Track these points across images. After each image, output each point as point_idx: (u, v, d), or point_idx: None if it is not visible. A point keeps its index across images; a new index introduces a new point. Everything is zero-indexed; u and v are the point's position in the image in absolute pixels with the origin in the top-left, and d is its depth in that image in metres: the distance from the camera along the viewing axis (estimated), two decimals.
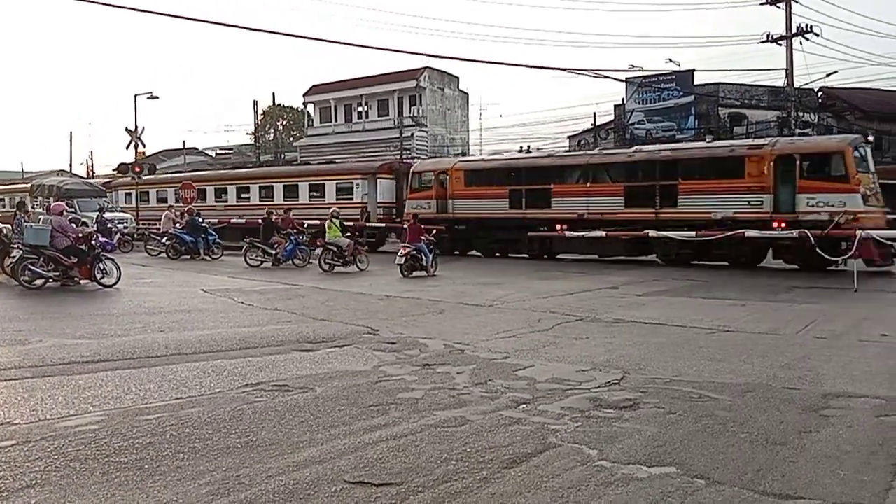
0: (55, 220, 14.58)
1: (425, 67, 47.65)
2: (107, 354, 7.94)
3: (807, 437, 5.23)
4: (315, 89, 53.66)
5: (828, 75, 32.25)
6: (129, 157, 35.61)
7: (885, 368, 7.52)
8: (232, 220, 30.93)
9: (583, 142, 42.29)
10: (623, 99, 40.51)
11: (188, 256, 23.37)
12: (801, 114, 32.12)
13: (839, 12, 46.42)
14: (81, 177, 55.08)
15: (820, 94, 37.29)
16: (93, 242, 14.88)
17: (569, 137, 45.59)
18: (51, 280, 14.30)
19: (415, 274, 17.95)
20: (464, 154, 43.77)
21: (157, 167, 44.00)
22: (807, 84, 32.94)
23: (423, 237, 18.52)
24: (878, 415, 5.79)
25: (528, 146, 31.79)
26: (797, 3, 28.71)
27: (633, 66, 38.48)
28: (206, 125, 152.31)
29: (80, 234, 14.70)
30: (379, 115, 50.61)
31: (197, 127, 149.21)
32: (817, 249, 17.24)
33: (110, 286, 14.45)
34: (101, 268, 14.68)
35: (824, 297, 13.76)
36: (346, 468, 4.51)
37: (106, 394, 6.28)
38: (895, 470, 4.54)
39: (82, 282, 14.69)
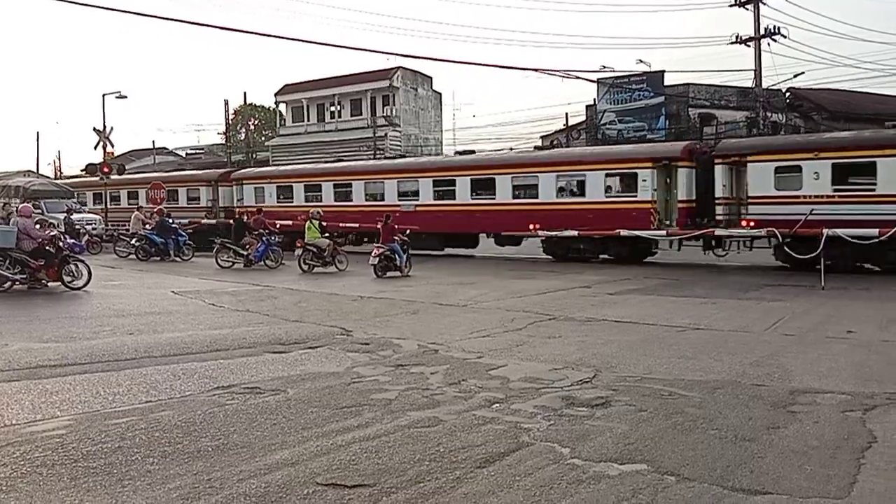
0: (21, 221, 14.33)
1: (398, 67, 47.55)
2: (75, 358, 7.82)
3: (775, 432, 5.31)
4: (287, 89, 53.28)
5: (795, 76, 32.78)
6: (97, 157, 35.07)
7: (850, 365, 7.67)
8: (202, 221, 30.62)
9: (555, 142, 42.51)
10: (595, 99, 40.78)
11: (158, 258, 23.07)
12: (769, 114, 32.61)
13: (806, 14, 47.25)
14: (48, 177, 54.11)
15: (788, 94, 37.88)
16: (60, 244, 14.64)
17: (541, 137, 45.83)
18: (17, 283, 14.05)
19: (388, 274, 17.92)
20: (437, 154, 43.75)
21: (127, 167, 43.48)
22: (775, 85, 33.44)
23: (396, 237, 18.50)
24: (844, 410, 5.90)
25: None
26: (765, 5, 29.19)
27: (605, 67, 38.88)
28: (176, 125, 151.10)
29: (45, 237, 14.44)
30: (352, 115, 50.40)
31: (167, 126, 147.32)
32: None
33: (79, 288, 14.22)
34: (70, 270, 14.46)
35: (792, 295, 13.99)
36: (319, 470, 4.49)
37: (74, 398, 6.18)
38: (859, 465, 4.63)
39: (50, 284, 14.45)
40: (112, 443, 4.96)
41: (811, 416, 5.73)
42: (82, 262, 14.85)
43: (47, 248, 14.35)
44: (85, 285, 14.36)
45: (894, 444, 5.05)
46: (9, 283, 13.94)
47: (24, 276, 14.14)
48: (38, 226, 14.86)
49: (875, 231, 17.01)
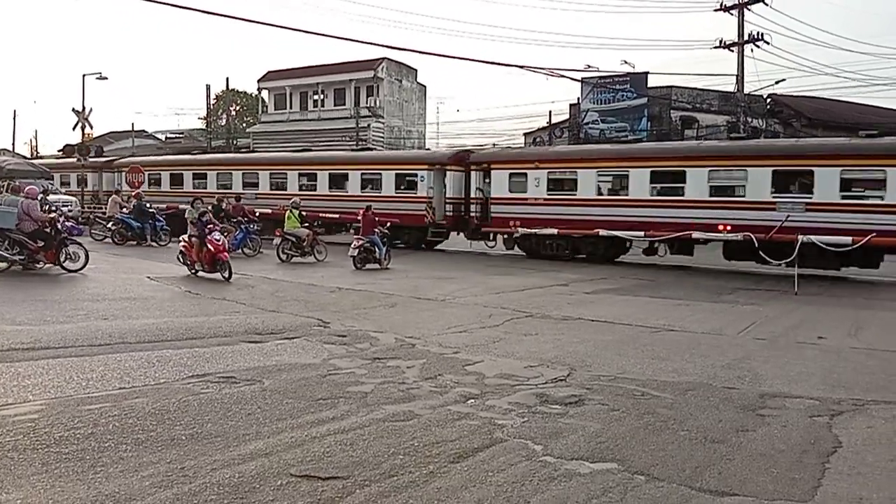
0: (25, 203, 14.13)
1: (383, 58, 47.32)
2: (48, 342, 7.75)
3: (743, 435, 5.41)
4: (270, 75, 52.84)
5: (776, 83, 33.06)
6: (75, 138, 34.59)
7: (819, 370, 7.81)
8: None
9: (538, 139, 42.64)
10: (578, 98, 40.94)
11: (134, 242, 22.84)
12: (749, 119, 32.96)
13: (790, 22, 47.79)
14: (25, 157, 53.27)
15: (768, 100, 38.30)
16: (58, 226, 14.49)
17: (525, 134, 45.95)
18: (15, 263, 13.93)
19: (368, 266, 17.89)
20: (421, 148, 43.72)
21: (105, 149, 42.92)
22: (756, 90, 33.77)
23: (376, 229, 18.47)
24: (812, 415, 6.02)
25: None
26: (750, 10, 29.41)
27: (589, 67, 38.83)
28: (157, 108, 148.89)
29: (46, 219, 14.28)
30: (335, 105, 50.10)
31: (146, 109, 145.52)
32: None
33: (76, 271, 14.15)
34: (68, 252, 14.36)
35: (766, 299, 14.19)
36: (293, 461, 4.51)
37: (46, 382, 6.14)
38: (824, 469, 4.74)
39: (46, 266, 14.31)
40: (85, 429, 4.94)
41: (779, 420, 5.84)
42: (79, 244, 14.73)
43: (46, 230, 14.21)
44: (82, 268, 14.26)
45: (858, 449, 5.17)
46: (5, 265, 13.84)
47: (23, 257, 14.04)
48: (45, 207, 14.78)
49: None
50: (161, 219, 23.98)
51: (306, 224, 20.03)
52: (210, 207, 22.04)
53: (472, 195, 24.76)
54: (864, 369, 7.96)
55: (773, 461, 4.86)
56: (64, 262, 14.25)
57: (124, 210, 23.74)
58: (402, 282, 15.35)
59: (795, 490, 4.38)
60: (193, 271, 14.98)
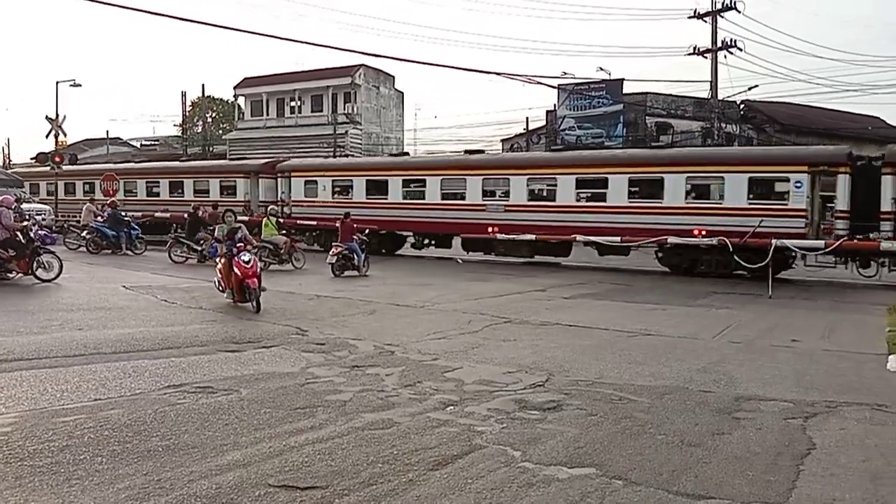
0: None
1: (361, 65, 47.32)
2: (22, 353, 7.64)
3: (719, 438, 5.48)
4: (247, 82, 52.62)
5: (749, 89, 33.71)
6: (49, 145, 34.12)
7: (793, 373, 7.93)
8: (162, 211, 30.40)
9: (515, 145, 42.83)
10: (555, 105, 41.20)
11: (109, 251, 22.57)
12: (723, 125, 33.38)
13: (763, 29, 48.50)
14: None
15: (742, 106, 38.80)
16: (31, 235, 14.27)
17: (502, 141, 46.14)
18: None
19: (346, 273, 17.85)
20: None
21: (79, 157, 42.43)
22: (730, 97, 34.29)
23: (355, 236, 18.43)
24: (786, 417, 6.10)
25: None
26: (723, 17, 29.85)
27: (566, 73, 39.21)
28: (132, 115, 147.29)
29: (18, 228, 14.05)
30: (312, 111, 49.99)
31: (121, 116, 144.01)
32: None
33: (49, 281, 13.93)
34: (41, 261, 14.13)
35: (740, 303, 14.35)
36: (271, 472, 4.49)
37: (20, 394, 6.05)
38: (798, 471, 4.81)
39: (18, 276, 14.10)
40: (59, 441, 4.88)
41: (754, 423, 5.92)
42: (53, 254, 14.52)
43: (18, 238, 13.99)
44: (56, 277, 14.05)
45: (832, 451, 5.25)
46: None
47: None
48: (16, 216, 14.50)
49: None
50: (136, 227, 23.73)
51: (284, 231, 19.94)
52: (187, 215, 21.96)
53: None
54: (836, 371, 8.09)
55: (749, 464, 4.92)
56: (37, 271, 14.04)
57: (99, 218, 23.46)
58: (380, 289, 15.33)
59: (770, 492, 4.44)
60: (230, 299, 12.24)
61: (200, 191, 30.50)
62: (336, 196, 27.11)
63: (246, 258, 11.76)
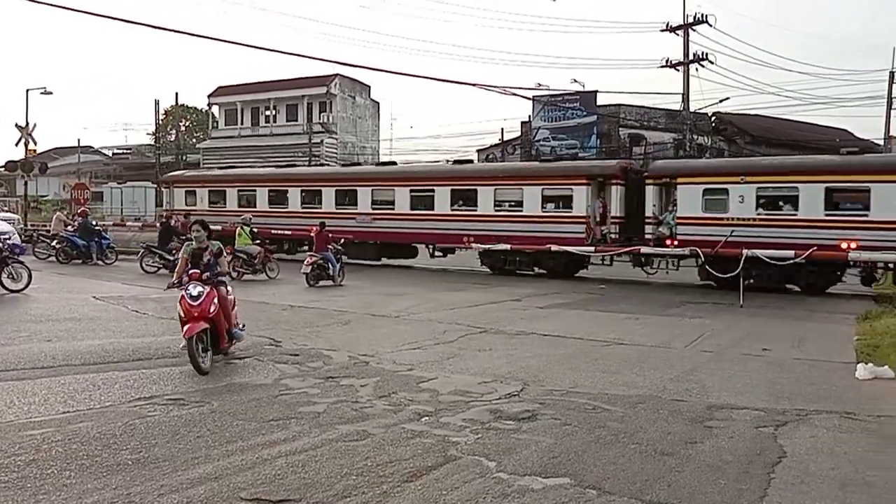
0: None
1: (336, 74, 47.21)
2: None
3: (692, 447, 5.52)
4: (221, 90, 52.26)
5: (721, 101, 34.02)
6: (18, 153, 33.60)
7: (764, 381, 8.02)
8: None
9: (490, 156, 43.00)
10: (530, 116, 41.47)
11: (80, 261, 22.22)
12: (695, 136, 33.81)
13: (733, 43, 49.31)
14: None
15: (713, 118, 39.34)
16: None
17: (477, 151, 46.29)
18: None
19: (321, 283, 17.73)
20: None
21: (49, 165, 41.81)
22: (702, 109, 34.69)
23: (329, 246, 18.34)
24: (757, 426, 6.17)
25: None
26: (695, 31, 30.28)
27: (540, 85, 39.34)
28: (103, 123, 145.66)
29: None
30: (287, 121, 49.77)
31: (93, 124, 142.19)
32: None
33: (17, 291, 13.72)
34: (9, 271, 13.89)
35: (712, 312, 14.50)
36: (243, 485, 4.44)
37: None
38: (769, 479, 4.86)
39: None
40: (26, 455, 4.79)
41: (726, 432, 5.97)
42: (22, 263, 14.29)
43: None
44: (24, 288, 13.82)
45: (802, 459, 5.32)
46: None
47: None
48: None
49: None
50: (107, 236, 23.40)
51: (258, 241, 19.78)
52: (159, 225, 21.68)
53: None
54: (806, 380, 8.20)
55: (721, 472, 4.96)
56: (5, 281, 13.79)
57: (69, 228, 23.10)
58: (355, 298, 15.26)
59: (742, 500, 4.48)
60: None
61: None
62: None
63: (194, 292, 7.79)
